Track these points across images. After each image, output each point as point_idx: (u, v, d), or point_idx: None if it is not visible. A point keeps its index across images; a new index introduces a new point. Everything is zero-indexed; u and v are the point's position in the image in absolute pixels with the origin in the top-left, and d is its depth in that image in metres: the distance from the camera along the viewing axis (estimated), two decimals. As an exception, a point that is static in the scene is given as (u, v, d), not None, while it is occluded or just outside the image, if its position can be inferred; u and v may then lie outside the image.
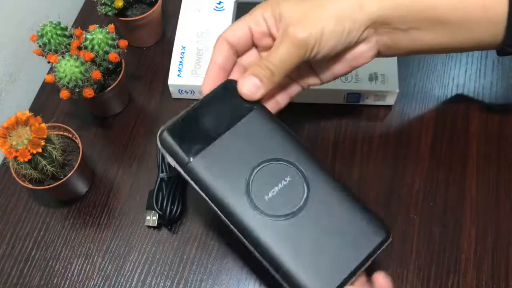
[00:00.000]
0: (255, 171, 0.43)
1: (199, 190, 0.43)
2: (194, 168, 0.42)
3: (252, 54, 0.49)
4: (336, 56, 0.47)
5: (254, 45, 0.49)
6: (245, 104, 0.45)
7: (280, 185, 0.42)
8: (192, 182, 0.43)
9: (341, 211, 0.42)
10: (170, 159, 0.43)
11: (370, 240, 0.42)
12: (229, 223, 0.42)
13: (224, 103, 0.45)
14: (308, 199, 0.42)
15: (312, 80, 0.50)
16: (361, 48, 0.47)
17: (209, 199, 0.42)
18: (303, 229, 0.41)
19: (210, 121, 0.44)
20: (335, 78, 0.50)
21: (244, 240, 0.42)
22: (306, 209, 0.42)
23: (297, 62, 0.45)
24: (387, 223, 0.43)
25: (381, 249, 0.42)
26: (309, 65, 0.49)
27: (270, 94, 0.49)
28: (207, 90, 0.46)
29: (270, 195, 0.42)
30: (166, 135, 0.43)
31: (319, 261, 0.41)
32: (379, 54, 0.48)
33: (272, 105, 0.49)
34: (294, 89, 0.51)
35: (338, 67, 0.49)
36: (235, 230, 0.42)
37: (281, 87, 0.50)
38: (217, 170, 0.42)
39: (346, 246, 0.41)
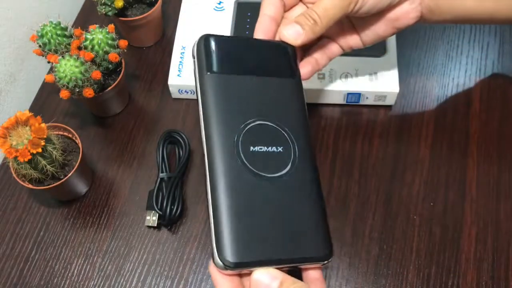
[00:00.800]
0: (258, 122, 0.42)
1: (200, 105, 0.42)
2: (209, 81, 0.42)
3: (299, 10, 0.50)
4: (379, 14, 0.48)
5: (301, 0, 0.50)
6: (286, 69, 0.46)
7: (269, 148, 0.42)
8: (199, 95, 0.42)
9: (305, 209, 0.41)
10: (195, 63, 0.43)
11: (312, 250, 0.40)
12: (205, 149, 0.41)
13: (270, 54, 0.46)
14: (283, 177, 0.41)
15: (353, 41, 0.51)
16: (405, 8, 0.48)
17: (203, 117, 0.41)
18: (262, 196, 0.40)
19: (250, 58, 0.44)
20: (378, 40, 0.51)
21: (207, 173, 0.40)
22: (277, 184, 0.41)
23: (340, 14, 0.45)
24: (334, 249, 0.41)
25: (313, 264, 0.41)
26: (351, 24, 0.50)
27: (310, 53, 0.50)
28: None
29: (256, 148, 0.41)
30: (206, 39, 0.43)
31: (255, 231, 0.39)
32: (421, 18, 0.49)
33: (312, 65, 0.49)
34: (335, 50, 0.51)
35: (381, 27, 0.50)
36: (206, 160, 0.40)
37: (321, 47, 0.51)
38: (227, 98, 0.42)
39: (287, 239, 0.39)
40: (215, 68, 0.42)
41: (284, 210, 0.40)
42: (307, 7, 0.49)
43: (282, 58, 0.46)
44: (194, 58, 0.44)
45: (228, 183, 0.39)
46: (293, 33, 0.45)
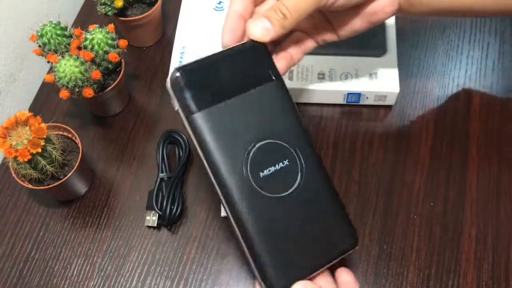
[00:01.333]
0: (258, 144, 0.41)
1: (196, 144, 0.41)
2: (199, 121, 0.40)
3: (271, 4, 0.46)
4: (354, 8, 0.46)
5: None
6: (265, 72, 0.43)
7: (277, 166, 0.42)
8: (191, 134, 0.41)
9: (324, 209, 0.43)
10: (175, 103, 0.41)
11: (340, 244, 0.43)
12: (218, 189, 0.41)
13: (245, 64, 0.42)
14: (298, 188, 0.42)
15: (328, 36, 0.49)
16: (382, 2, 0.46)
17: (205, 156, 0.41)
18: (286, 215, 0.41)
19: (227, 77, 0.41)
20: (354, 34, 0.49)
21: (228, 210, 0.41)
22: (294, 197, 0.42)
23: (312, 8, 0.42)
24: (357, 232, 0.44)
25: (346, 254, 0.43)
26: (325, 18, 0.48)
27: (284, 48, 0.47)
28: (227, 40, 0.44)
29: (265, 172, 0.41)
30: (180, 76, 0.40)
31: (289, 249, 0.41)
32: (400, 11, 0.47)
33: (287, 60, 0.47)
34: (309, 45, 0.49)
35: (357, 22, 0.47)
36: (222, 198, 0.41)
37: (295, 41, 0.48)
38: (221, 131, 0.40)
39: (317, 243, 0.42)
40: (200, 104, 0.40)
41: (308, 218, 0.42)
42: None
43: (259, 62, 0.43)
44: (172, 97, 0.41)
45: (254, 217, 0.40)
46: (260, 29, 0.42)
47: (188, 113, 0.40)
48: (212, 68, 0.41)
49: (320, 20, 0.49)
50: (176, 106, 0.41)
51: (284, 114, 0.43)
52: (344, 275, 0.43)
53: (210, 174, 0.41)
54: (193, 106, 0.40)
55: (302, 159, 0.42)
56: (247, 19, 0.44)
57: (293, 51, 0.48)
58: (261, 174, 0.41)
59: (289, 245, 0.41)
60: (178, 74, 0.40)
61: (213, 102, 0.40)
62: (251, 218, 0.40)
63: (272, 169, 0.41)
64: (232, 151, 0.40)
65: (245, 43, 0.43)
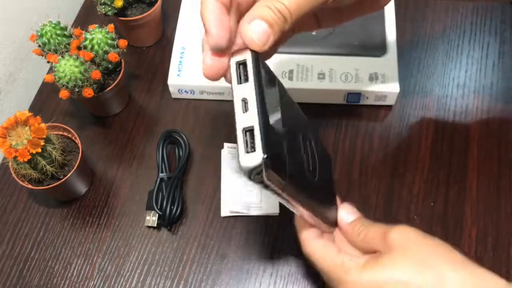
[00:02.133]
0: (303, 153, 0.42)
1: (294, 201, 0.39)
2: (293, 184, 0.37)
3: None
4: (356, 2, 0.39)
5: None
6: (273, 80, 0.38)
7: (308, 145, 0.44)
8: (288, 198, 0.39)
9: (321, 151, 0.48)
10: (274, 191, 0.37)
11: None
12: (306, 209, 0.42)
13: (275, 93, 0.37)
14: (317, 150, 0.45)
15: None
16: None
17: (300, 201, 0.40)
18: (320, 181, 0.46)
19: (274, 126, 0.36)
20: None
21: (302, 208, 0.43)
22: (318, 159, 0.45)
23: (315, 7, 0.35)
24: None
25: None
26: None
27: None
28: (219, 36, 0.35)
29: (311, 167, 0.43)
30: (272, 167, 0.33)
31: (328, 192, 0.48)
32: None
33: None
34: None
35: (348, 14, 0.42)
36: (299, 205, 0.41)
37: None
38: (299, 174, 0.40)
39: (328, 167, 0.51)
40: (285, 174, 0.36)
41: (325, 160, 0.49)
42: None
43: (269, 76, 0.37)
44: (271, 186, 0.35)
45: (322, 202, 0.46)
46: (261, 36, 0.33)
47: (284, 187, 0.36)
48: (269, 132, 0.34)
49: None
50: (276, 195, 0.37)
51: (295, 109, 0.45)
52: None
53: (304, 209, 0.42)
54: (284, 178, 0.36)
55: (310, 133, 0.45)
56: (228, 8, 0.36)
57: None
58: (310, 167, 0.43)
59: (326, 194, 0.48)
60: (268, 164, 0.33)
61: (286, 159, 0.36)
62: (321, 204, 0.45)
63: (310, 159, 0.43)
64: (309, 179, 0.42)
65: (253, 69, 0.35)
